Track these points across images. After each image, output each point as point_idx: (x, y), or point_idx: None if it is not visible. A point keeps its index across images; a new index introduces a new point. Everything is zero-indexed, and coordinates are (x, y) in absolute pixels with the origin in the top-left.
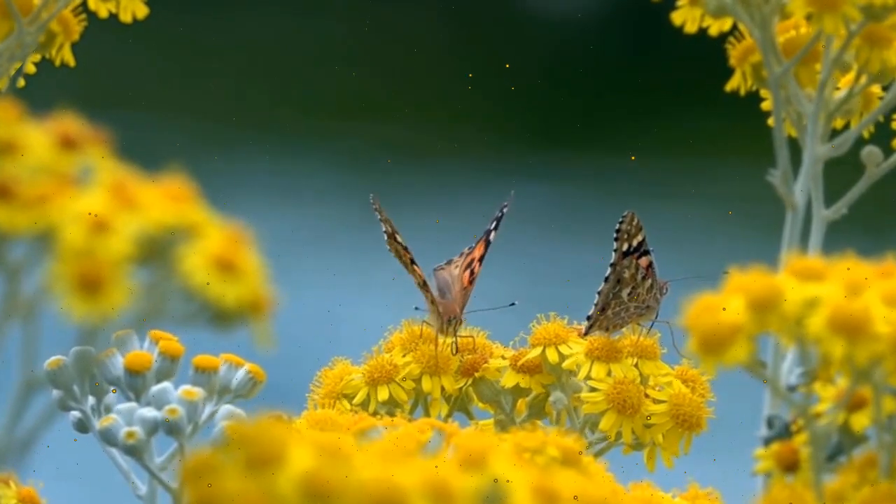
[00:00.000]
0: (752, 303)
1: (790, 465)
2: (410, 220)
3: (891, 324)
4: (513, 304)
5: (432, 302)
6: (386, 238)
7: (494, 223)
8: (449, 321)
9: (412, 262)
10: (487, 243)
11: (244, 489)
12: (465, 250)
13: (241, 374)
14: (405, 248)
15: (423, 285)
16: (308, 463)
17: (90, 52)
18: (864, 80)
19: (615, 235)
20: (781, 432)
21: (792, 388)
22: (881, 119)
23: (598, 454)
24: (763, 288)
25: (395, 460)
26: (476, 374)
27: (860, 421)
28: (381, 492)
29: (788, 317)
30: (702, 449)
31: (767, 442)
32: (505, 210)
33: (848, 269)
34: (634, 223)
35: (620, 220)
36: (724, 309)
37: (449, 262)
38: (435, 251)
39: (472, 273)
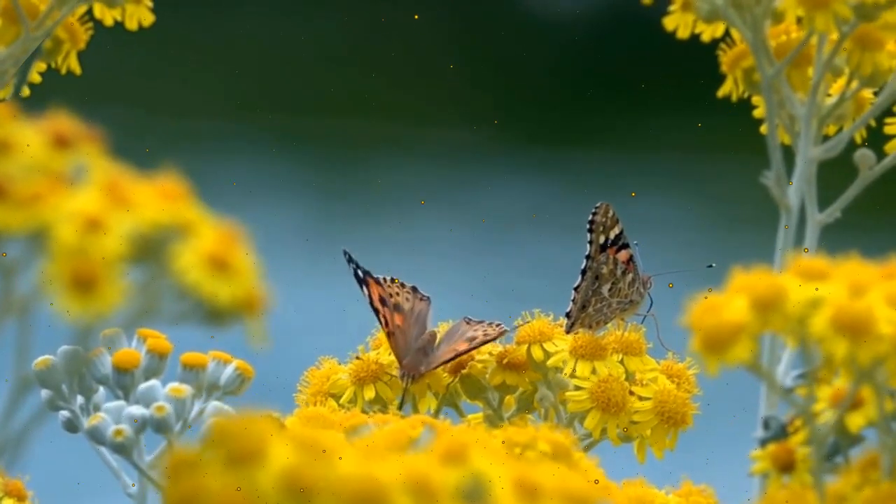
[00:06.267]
0: (756, 302)
1: (786, 466)
2: (409, 219)
3: (894, 325)
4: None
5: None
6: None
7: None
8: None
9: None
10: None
11: (225, 486)
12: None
13: (229, 370)
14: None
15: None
16: (289, 459)
17: (86, 49)
18: (855, 84)
19: (588, 227)
20: (778, 433)
21: (789, 390)
22: (873, 123)
23: (586, 448)
24: (766, 287)
25: (376, 456)
26: (463, 372)
27: (856, 421)
28: (361, 488)
29: (791, 316)
30: (698, 445)
31: (764, 443)
32: (359, 270)
33: (851, 270)
34: (609, 215)
35: (594, 211)
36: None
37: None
38: (436, 251)
39: (387, 322)
